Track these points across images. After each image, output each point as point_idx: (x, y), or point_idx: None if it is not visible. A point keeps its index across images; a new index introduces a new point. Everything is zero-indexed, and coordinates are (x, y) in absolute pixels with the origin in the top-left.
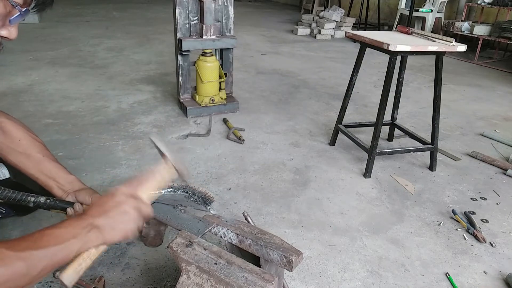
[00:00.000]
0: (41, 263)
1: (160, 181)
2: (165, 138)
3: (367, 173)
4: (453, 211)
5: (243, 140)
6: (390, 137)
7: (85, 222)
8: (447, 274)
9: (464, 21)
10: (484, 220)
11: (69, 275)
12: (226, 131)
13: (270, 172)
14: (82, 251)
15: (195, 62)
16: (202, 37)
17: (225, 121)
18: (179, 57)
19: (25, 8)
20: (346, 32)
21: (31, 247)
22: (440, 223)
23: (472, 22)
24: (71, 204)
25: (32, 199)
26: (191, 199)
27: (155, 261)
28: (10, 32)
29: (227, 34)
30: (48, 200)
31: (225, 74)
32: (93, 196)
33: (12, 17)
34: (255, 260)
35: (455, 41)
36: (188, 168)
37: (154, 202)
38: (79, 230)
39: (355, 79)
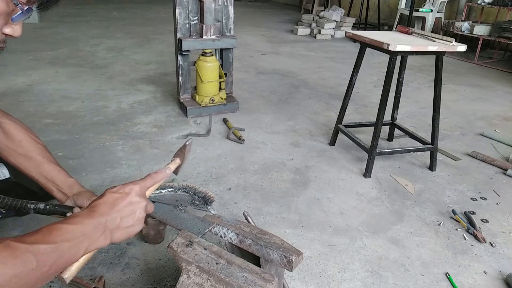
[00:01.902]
0: (51, 258)
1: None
2: (165, 138)
3: (367, 173)
4: (453, 211)
5: (243, 140)
6: (390, 137)
7: (96, 221)
8: (447, 274)
9: (464, 21)
10: (484, 220)
11: (67, 272)
12: (226, 131)
13: (270, 172)
14: (88, 252)
15: (195, 62)
16: (202, 37)
17: (225, 121)
18: (179, 57)
19: (27, 7)
20: (346, 32)
21: (40, 241)
22: (440, 223)
23: (472, 22)
24: (71, 208)
25: (32, 206)
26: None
27: (155, 261)
28: (14, 30)
29: (227, 34)
30: (48, 206)
31: (225, 74)
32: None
33: (15, 16)
34: (255, 260)
35: (455, 41)
36: (188, 168)
37: (155, 202)
38: (90, 228)
39: (355, 79)
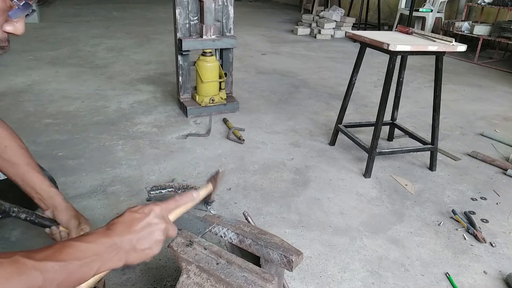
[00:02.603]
0: (59, 277)
1: (193, 205)
2: (165, 138)
3: (367, 173)
4: (453, 211)
5: (243, 140)
6: (390, 137)
7: (110, 241)
8: (447, 274)
9: (464, 21)
10: (484, 220)
11: None
12: (226, 131)
13: (270, 172)
14: (99, 272)
15: (195, 62)
16: (202, 37)
17: (225, 121)
18: (179, 57)
19: (23, 2)
20: (346, 32)
21: (50, 258)
22: (440, 223)
23: (472, 22)
24: (52, 222)
25: (15, 210)
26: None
27: (155, 261)
28: (15, 27)
29: (227, 34)
30: (28, 217)
31: (225, 74)
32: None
33: (11, 12)
34: (256, 260)
35: (455, 41)
36: (188, 168)
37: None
38: (103, 249)
39: (355, 79)
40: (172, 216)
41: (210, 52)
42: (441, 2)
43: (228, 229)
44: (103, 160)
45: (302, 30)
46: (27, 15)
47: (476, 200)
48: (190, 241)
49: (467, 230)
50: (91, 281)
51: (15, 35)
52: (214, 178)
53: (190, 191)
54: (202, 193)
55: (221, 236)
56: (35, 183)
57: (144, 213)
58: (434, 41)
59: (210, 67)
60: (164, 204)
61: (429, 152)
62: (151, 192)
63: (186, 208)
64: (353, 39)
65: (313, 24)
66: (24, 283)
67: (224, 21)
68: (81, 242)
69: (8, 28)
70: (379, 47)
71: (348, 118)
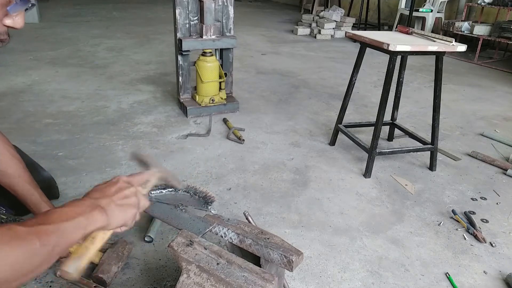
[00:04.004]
0: (52, 237)
1: (151, 184)
2: (165, 138)
3: (367, 173)
4: (453, 211)
5: (243, 140)
6: (390, 137)
7: (88, 202)
8: (447, 274)
9: (464, 21)
10: (484, 220)
11: (72, 265)
12: (226, 131)
13: (270, 172)
14: (88, 232)
15: (195, 62)
16: (202, 37)
17: (225, 121)
18: (179, 57)
19: None
20: (346, 32)
21: (41, 222)
22: (440, 223)
23: (472, 22)
24: None
25: (4, 217)
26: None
27: (155, 261)
28: (15, 21)
29: (227, 34)
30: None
31: (225, 74)
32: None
33: (10, 7)
34: (256, 260)
35: (455, 41)
36: (188, 168)
37: (156, 201)
38: (84, 208)
39: (355, 79)
40: (142, 190)
41: (210, 52)
42: (441, 2)
43: (228, 229)
44: (103, 160)
45: (302, 30)
46: (26, 9)
47: (476, 200)
48: (190, 241)
49: (467, 230)
50: (98, 244)
51: (15, 28)
52: (143, 163)
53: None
54: (155, 172)
55: (222, 236)
56: (26, 195)
57: (113, 182)
58: (434, 41)
59: (210, 67)
60: (129, 176)
61: (429, 152)
62: (152, 192)
63: (151, 184)
64: (353, 39)
65: (313, 24)
66: (23, 247)
67: (224, 21)
68: (62, 208)
69: (8, 21)
70: (379, 47)
71: (348, 118)
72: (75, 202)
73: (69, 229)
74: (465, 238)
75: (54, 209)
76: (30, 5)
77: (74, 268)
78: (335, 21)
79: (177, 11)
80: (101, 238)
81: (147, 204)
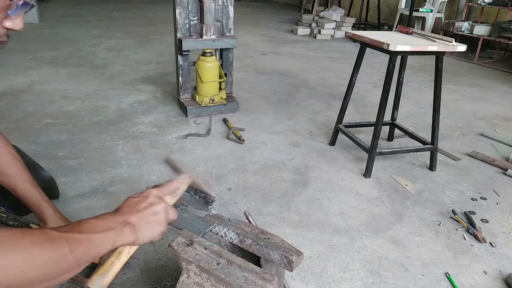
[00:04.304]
0: (82, 247)
1: (181, 191)
2: (165, 138)
3: (367, 173)
4: (453, 211)
5: (243, 140)
6: (390, 137)
7: (119, 218)
8: (447, 274)
9: (464, 21)
10: (484, 220)
11: (98, 281)
12: (226, 131)
13: (270, 172)
14: (116, 246)
15: (195, 62)
16: (202, 37)
17: (225, 121)
18: (179, 57)
19: (22, 2)
20: (346, 32)
21: (71, 230)
22: (440, 223)
23: (472, 22)
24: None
25: (4, 216)
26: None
27: (155, 261)
28: (14, 23)
29: (227, 34)
30: (16, 224)
31: (225, 74)
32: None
33: (10, 11)
34: (256, 260)
35: (455, 41)
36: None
37: None
38: (115, 224)
39: (355, 79)
40: (170, 201)
41: (210, 52)
42: (441, 2)
43: (228, 229)
44: (103, 160)
45: (302, 30)
46: (25, 11)
47: (476, 200)
48: (190, 240)
49: (467, 230)
50: (123, 259)
51: (14, 30)
52: (175, 168)
53: (176, 178)
54: (186, 178)
55: (222, 236)
56: (26, 196)
57: (144, 196)
58: (434, 41)
59: (210, 67)
60: (159, 188)
61: (429, 152)
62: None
63: (180, 191)
64: (353, 39)
65: (313, 24)
66: (54, 249)
67: (224, 21)
68: (95, 219)
69: (8, 24)
70: (379, 47)
71: (348, 118)
72: (108, 215)
73: (99, 242)
74: (465, 238)
75: (86, 220)
76: (30, 8)
77: (100, 284)
78: (335, 21)
79: (177, 11)
80: (127, 253)
81: (175, 216)
